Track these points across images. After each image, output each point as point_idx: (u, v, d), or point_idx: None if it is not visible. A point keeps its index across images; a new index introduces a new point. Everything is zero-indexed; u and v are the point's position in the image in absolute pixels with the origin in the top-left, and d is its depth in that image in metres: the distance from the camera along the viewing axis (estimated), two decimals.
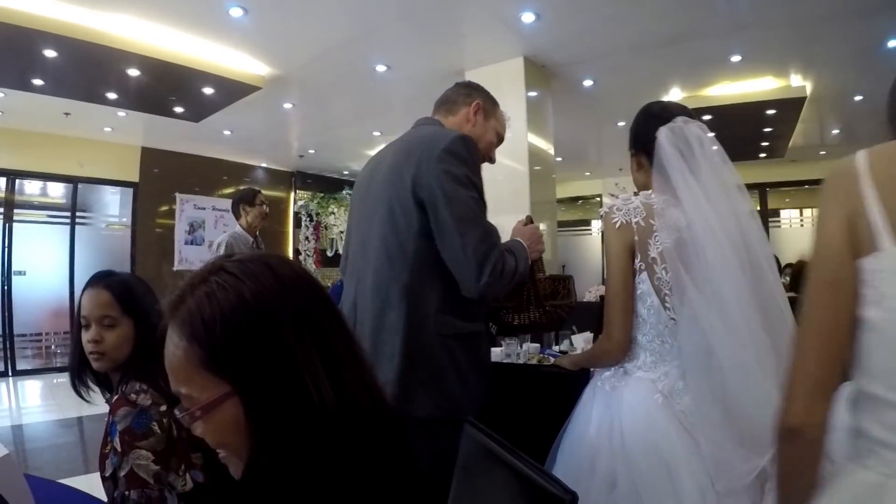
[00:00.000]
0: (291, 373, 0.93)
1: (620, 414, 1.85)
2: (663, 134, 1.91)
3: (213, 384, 0.93)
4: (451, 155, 2.05)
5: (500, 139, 2.56)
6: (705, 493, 1.63)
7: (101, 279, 1.95)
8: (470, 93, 2.50)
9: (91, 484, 1.85)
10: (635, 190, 2.09)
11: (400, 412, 1.92)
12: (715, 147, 1.91)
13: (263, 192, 12.09)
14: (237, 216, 5.44)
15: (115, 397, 1.82)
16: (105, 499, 1.73)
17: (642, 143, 2.03)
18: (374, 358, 2.06)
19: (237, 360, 0.93)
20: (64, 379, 9.17)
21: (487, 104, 2.50)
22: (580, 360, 2.25)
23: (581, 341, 3.78)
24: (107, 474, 1.72)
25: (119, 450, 1.72)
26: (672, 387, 1.80)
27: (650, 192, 1.94)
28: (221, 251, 4.98)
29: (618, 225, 1.90)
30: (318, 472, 0.92)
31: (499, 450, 1.32)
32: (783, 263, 9.34)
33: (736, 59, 6.87)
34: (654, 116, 2.01)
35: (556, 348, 3.94)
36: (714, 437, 1.68)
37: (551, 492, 1.11)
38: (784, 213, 13.63)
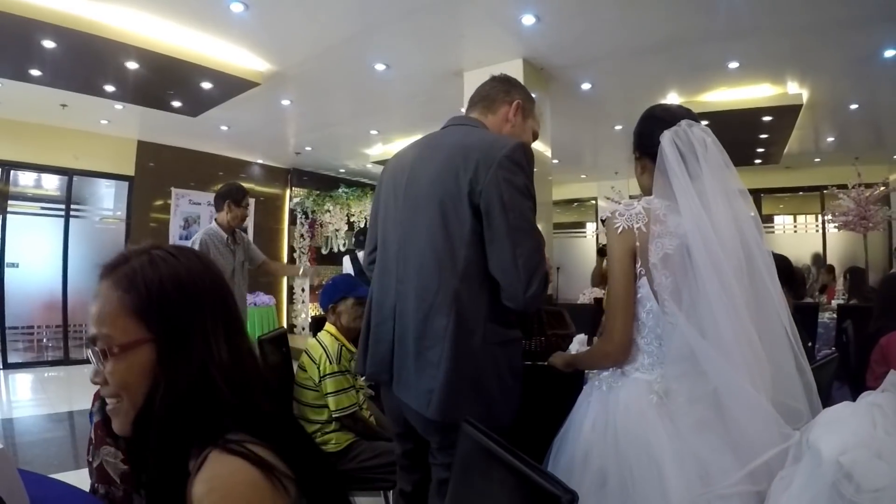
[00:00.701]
0: (201, 338, 1.14)
1: (616, 413, 1.85)
2: (667, 138, 1.91)
3: (135, 330, 1.12)
4: (512, 163, 2.04)
5: (536, 137, 2.54)
6: (694, 496, 1.62)
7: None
8: (509, 90, 2.45)
9: (82, 479, 1.84)
10: (631, 194, 2.11)
11: (445, 418, 1.95)
12: (719, 151, 1.91)
13: (259, 188, 12.24)
14: (218, 209, 5.28)
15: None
16: None
17: (646, 146, 2.03)
18: (417, 362, 2.08)
19: (161, 315, 1.13)
20: (55, 373, 9.17)
21: (527, 103, 2.46)
22: (576, 361, 2.22)
23: (576, 343, 3.78)
24: (89, 460, 1.73)
25: (93, 441, 1.72)
26: (668, 388, 1.81)
27: (652, 197, 1.94)
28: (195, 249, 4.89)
29: (620, 230, 1.91)
30: (200, 425, 1.09)
31: (497, 449, 1.32)
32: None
33: (733, 65, 6.90)
34: (657, 119, 2.02)
35: None
36: (707, 441, 1.70)
37: (551, 491, 1.11)
38: (778, 219, 13.72)
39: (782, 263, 3.05)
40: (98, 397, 1.79)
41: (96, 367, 1.14)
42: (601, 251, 6.18)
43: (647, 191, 2.04)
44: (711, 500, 1.60)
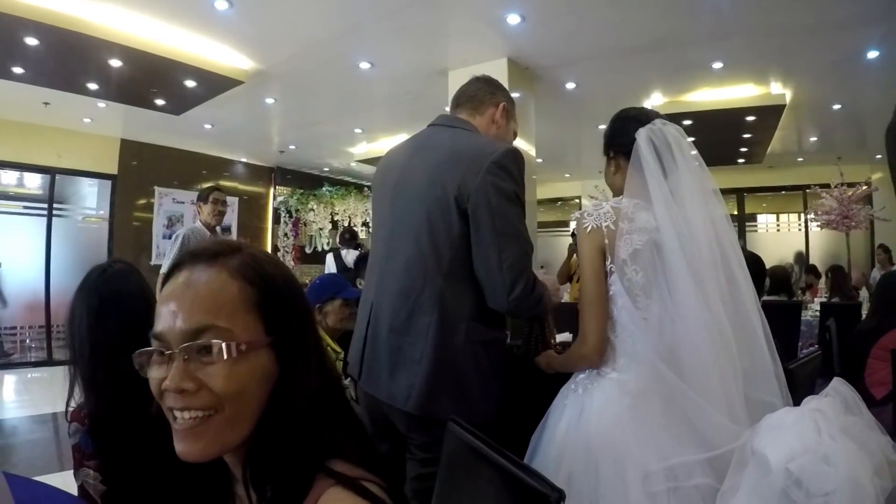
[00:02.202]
0: (312, 347, 1.03)
1: (589, 417, 1.87)
2: (642, 135, 1.95)
3: (255, 328, 0.97)
4: (501, 169, 2.06)
5: (515, 136, 2.58)
6: (653, 490, 1.65)
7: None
8: (494, 92, 2.47)
9: (66, 482, 1.82)
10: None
11: (424, 413, 1.97)
12: (691, 150, 1.95)
13: (243, 187, 12.19)
14: (198, 212, 5.54)
15: (73, 409, 1.80)
16: None
17: (621, 144, 2.06)
18: (395, 358, 2.10)
19: (283, 316, 1.00)
20: (38, 374, 9.10)
21: (510, 105, 2.49)
22: (556, 363, 2.23)
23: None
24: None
25: (73, 460, 1.72)
26: (644, 388, 1.82)
27: (620, 197, 1.98)
28: (178, 243, 5.16)
29: (588, 229, 1.94)
30: (311, 440, 0.97)
31: (484, 448, 1.32)
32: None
33: (717, 65, 6.95)
34: (632, 119, 2.05)
35: None
36: (676, 439, 1.72)
37: (538, 489, 1.12)
38: (761, 218, 13.85)
39: (753, 261, 3.09)
40: (74, 418, 1.77)
41: (182, 367, 0.91)
42: (570, 248, 6.18)
43: (618, 192, 2.07)
44: (670, 493, 1.64)
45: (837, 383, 1.49)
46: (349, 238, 8.46)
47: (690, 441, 1.69)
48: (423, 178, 2.17)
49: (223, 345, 0.91)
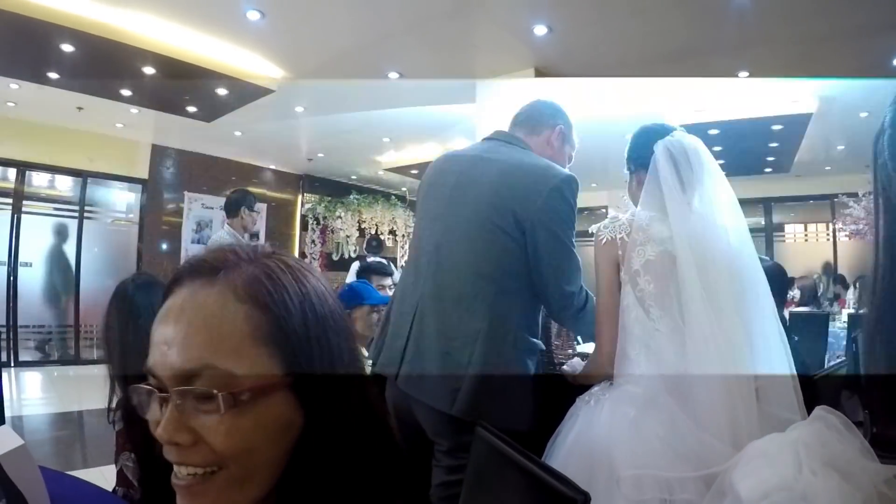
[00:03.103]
0: (347, 380, 0.82)
1: (596, 428, 1.88)
2: (660, 147, 1.99)
3: (268, 365, 0.75)
4: (560, 195, 2.17)
5: (570, 160, 2.62)
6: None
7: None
8: (554, 115, 2.55)
9: (91, 479, 1.88)
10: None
11: (468, 416, 1.99)
12: (710, 160, 1.97)
13: (271, 194, 12.32)
14: (233, 216, 5.31)
15: (119, 398, 1.89)
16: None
17: (641, 157, 2.10)
18: (442, 362, 2.14)
19: (304, 346, 0.77)
20: (66, 372, 9.21)
21: (566, 129, 2.56)
22: (578, 376, 2.26)
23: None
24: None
25: (116, 446, 1.77)
26: (654, 399, 1.83)
27: (637, 209, 2.01)
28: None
29: (603, 241, 2.01)
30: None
31: (512, 453, 1.34)
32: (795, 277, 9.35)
33: (743, 74, 6.88)
34: (651, 132, 2.09)
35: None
36: (677, 452, 1.72)
37: (563, 492, 1.14)
38: (789, 228, 13.63)
39: (775, 272, 3.08)
40: (120, 406, 1.84)
41: (176, 416, 0.72)
42: None
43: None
44: None
45: (822, 411, 1.37)
46: (375, 246, 8.51)
47: (690, 455, 1.69)
48: (483, 193, 2.24)
49: (221, 396, 0.71)
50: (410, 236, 2.69)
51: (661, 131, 2.06)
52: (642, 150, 2.09)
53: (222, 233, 5.36)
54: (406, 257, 2.50)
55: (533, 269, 2.17)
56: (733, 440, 1.64)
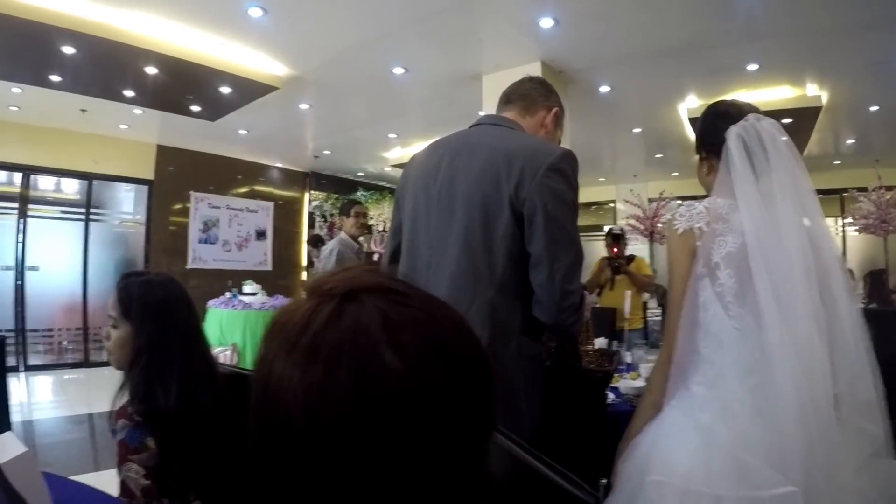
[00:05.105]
0: None
1: (661, 436, 1.75)
2: (733, 133, 1.82)
3: None
4: (558, 172, 1.98)
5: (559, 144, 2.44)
6: None
7: (121, 279, 1.98)
8: (549, 95, 2.39)
9: (101, 482, 1.85)
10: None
11: None
12: (789, 147, 1.81)
13: (278, 191, 12.32)
14: (341, 225, 6.12)
15: (120, 406, 1.85)
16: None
17: (712, 143, 1.94)
18: None
19: None
20: (74, 375, 9.23)
21: (560, 111, 2.41)
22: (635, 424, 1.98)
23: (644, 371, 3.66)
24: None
25: (118, 457, 1.74)
26: (725, 408, 1.68)
27: (714, 196, 1.86)
28: (334, 257, 5.55)
29: (680, 231, 1.84)
30: None
31: (522, 454, 1.31)
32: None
33: (752, 67, 6.85)
34: (722, 115, 1.93)
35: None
36: (741, 465, 1.57)
37: (575, 494, 1.12)
38: None
39: None
40: (121, 416, 1.80)
41: None
42: (601, 261, 6.00)
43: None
44: None
45: None
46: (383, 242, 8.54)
47: (754, 471, 1.55)
48: (473, 181, 2.07)
49: None
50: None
51: (733, 113, 1.90)
52: (712, 134, 1.93)
53: (334, 242, 5.94)
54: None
55: (531, 257, 1.98)
56: (804, 463, 1.51)
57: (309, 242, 8.19)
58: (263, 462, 0.67)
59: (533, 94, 2.36)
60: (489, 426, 0.80)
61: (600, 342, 4.01)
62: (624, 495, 1.68)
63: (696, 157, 2.09)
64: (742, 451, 1.57)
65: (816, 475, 1.49)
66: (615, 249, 5.88)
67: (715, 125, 1.92)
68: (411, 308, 0.70)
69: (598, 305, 6.03)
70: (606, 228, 6.38)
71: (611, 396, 3.19)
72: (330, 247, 5.76)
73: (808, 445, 1.51)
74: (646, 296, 6.46)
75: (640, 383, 3.25)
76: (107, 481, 1.82)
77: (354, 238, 5.84)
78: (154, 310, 1.91)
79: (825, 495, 1.48)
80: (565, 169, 2.01)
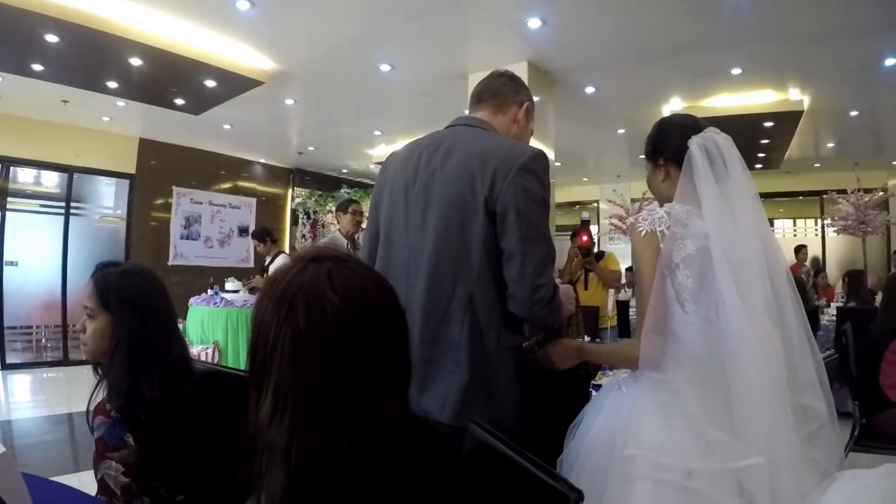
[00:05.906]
0: None
1: (624, 416, 1.86)
2: (695, 143, 1.95)
3: None
4: (530, 172, 2.02)
5: (531, 136, 2.51)
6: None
7: (97, 269, 1.98)
8: (518, 90, 2.40)
9: (82, 482, 1.84)
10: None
11: (459, 422, 1.92)
12: (738, 157, 1.96)
13: (261, 188, 12.28)
14: (337, 222, 6.16)
15: (97, 403, 1.83)
16: None
17: (673, 152, 2.05)
18: (430, 370, 2.05)
19: None
20: (54, 374, 9.13)
21: (531, 104, 2.43)
22: (589, 352, 2.22)
23: None
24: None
25: (95, 454, 1.72)
26: (681, 390, 1.81)
27: (673, 203, 1.96)
28: None
29: (643, 233, 1.93)
30: None
31: (504, 449, 1.32)
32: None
33: (736, 71, 6.96)
34: (684, 126, 2.05)
35: None
36: (707, 440, 1.72)
37: (557, 489, 1.13)
38: (778, 223, 13.94)
39: None
40: (99, 412, 1.78)
41: None
42: (570, 252, 6.00)
43: (667, 199, 2.05)
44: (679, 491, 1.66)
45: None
46: None
47: (720, 445, 1.69)
48: (449, 182, 2.11)
49: None
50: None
51: (690, 124, 2.04)
52: (672, 143, 2.05)
53: (325, 240, 6.10)
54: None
55: (504, 253, 2.02)
56: (767, 437, 1.67)
57: (254, 236, 7.85)
58: (253, 372, 1.01)
59: (504, 92, 2.38)
60: (402, 366, 1.13)
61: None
62: (589, 469, 1.84)
63: (650, 164, 2.20)
64: (706, 426, 1.73)
65: (779, 447, 1.66)
66: (584, 237, 5.83)
67: (675, 135, 2.06)
68: (350, 270, 1.06)
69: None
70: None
71: (594, 394, 3.22)
72: (321, 242, 5.86)
73: (769, 420, 1.69)
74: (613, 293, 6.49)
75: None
76: (88, 482, 1.81)
77: (351, 234, 5.86)
78: (134, 299, 1.90)
79: (787, 465, 1.64)
80: (537, 169, 2.05)
